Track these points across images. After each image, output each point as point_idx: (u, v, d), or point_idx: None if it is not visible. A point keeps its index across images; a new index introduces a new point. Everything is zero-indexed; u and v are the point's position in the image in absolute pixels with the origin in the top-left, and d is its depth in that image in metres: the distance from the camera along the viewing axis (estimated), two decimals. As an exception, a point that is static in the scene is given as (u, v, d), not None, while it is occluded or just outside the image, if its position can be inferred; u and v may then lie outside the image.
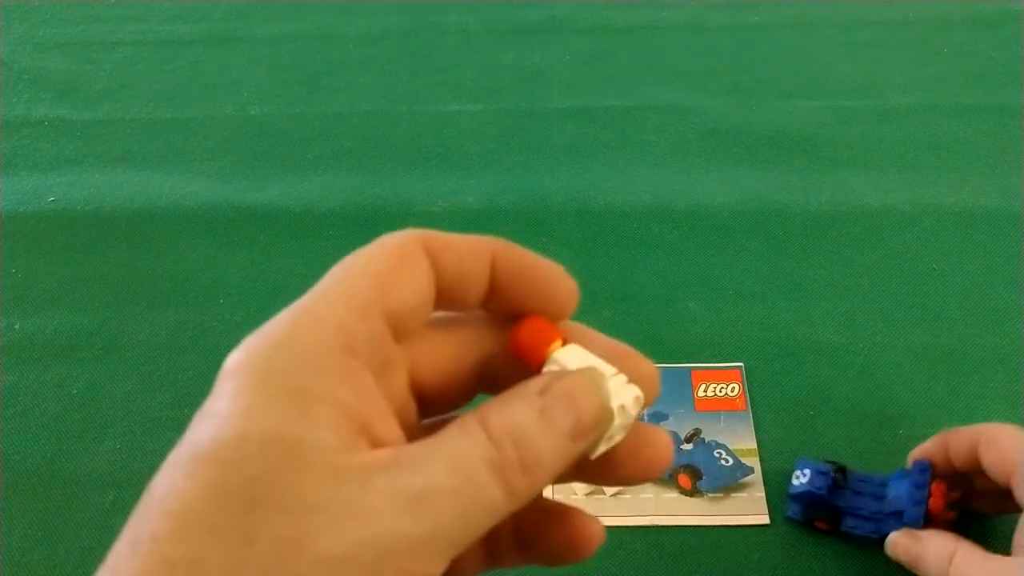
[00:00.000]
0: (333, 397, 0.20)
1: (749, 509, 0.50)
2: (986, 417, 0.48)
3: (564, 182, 0.70)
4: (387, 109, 0.77)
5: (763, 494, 0.51)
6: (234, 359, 0.21)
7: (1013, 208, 0.66)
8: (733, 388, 0.56)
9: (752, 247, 0.64)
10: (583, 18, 0.86)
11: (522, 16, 0.87)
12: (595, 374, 0.22)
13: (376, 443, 0.20)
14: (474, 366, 0.24)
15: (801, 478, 0.48)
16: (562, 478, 0.24)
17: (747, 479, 0.51)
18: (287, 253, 0.65)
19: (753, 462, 0.52)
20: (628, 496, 0.51)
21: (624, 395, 0.23)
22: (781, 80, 0.79)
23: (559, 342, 0.23)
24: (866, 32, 0.83)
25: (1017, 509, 0.41)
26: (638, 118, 0.75)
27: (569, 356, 0.23)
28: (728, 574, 0.48)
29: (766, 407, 0.55)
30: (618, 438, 0.23)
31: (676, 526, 0.50)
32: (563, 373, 0.22)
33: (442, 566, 0.20)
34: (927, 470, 0.47)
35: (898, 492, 0.47)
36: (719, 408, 0.55)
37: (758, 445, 0.53)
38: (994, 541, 0.44)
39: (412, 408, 0.24)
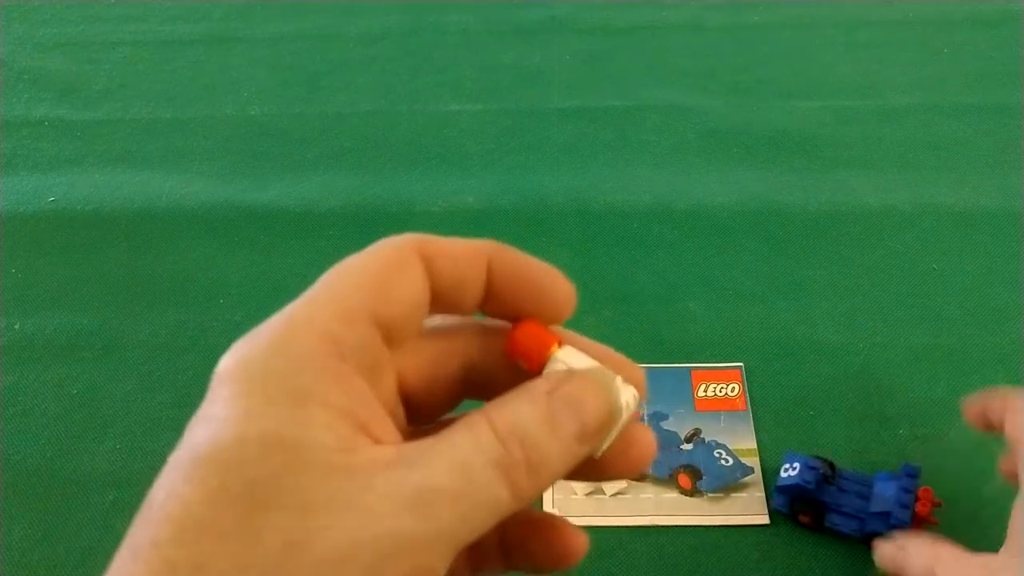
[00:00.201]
0: (331, 399, 0.20)
1: (749, 509, 0.50)
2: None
3: (564, 182, 0.70)
4: (387, 109, 0.77)
5: (763, 494, 0.51)
6: (227, 363, 0.20)
7: (1013, 208, 0.66)
8: (733, 388, 0.56)
9: (752, 247, 0.64)
10: (583, 18, 0.86)
11: (522, 16, 0.87)
12: (605, 374, 0.22)
13: (376, 443, 0.20)
14: (458, 372, 0.24)
15: (790, 471, 0.49)
16: None
17: (747, 479, 0.51)
18: (287, 253, 0.65)
19: (753, 462, 0.52)
20: (628, 496, 0.51)
21: (625, 395, 0.23)
22: (781, 80, 0.79)
23: (556, 344, 0.23)
24: (866, 32, 0.83)
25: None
26: (638, 118, 0.75)
27: (571, 356, 0.23)
28: (728, 574, 0.48)
29: (766, 407, 0.55)
30: (615, 436, 0.23)
31: (676, 526, 0.50)
32: (571, 373, 0.22)
33: (445, 565, 0.20)
34: (916, 474, 0.47)
35: (885, 493, 0.47)
36: (719, 408, 0.55)
37: (758, 445, 0.53)
38: (976, 530, 0.44)
39: (401, 414, 0.24)
